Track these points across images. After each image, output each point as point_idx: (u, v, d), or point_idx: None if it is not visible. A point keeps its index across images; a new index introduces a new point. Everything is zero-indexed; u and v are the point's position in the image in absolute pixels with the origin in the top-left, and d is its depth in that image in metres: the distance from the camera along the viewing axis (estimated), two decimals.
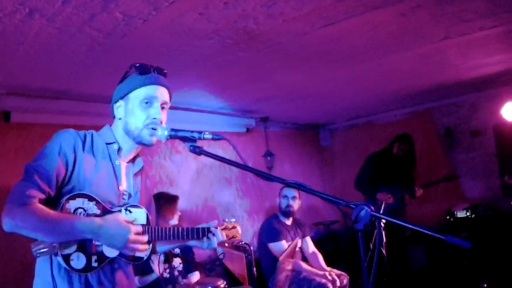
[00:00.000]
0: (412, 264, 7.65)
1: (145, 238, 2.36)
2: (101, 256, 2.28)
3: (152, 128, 2.39)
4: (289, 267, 5.62)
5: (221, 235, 2.74)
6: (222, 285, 4.91)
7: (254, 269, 5.04)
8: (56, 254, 2.18)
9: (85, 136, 2.39)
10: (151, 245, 2.55)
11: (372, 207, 1.96)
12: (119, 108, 2.48)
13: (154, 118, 2.39)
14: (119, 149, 2.50)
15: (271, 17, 3.72)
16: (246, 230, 7.88)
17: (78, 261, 2.21)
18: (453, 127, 8.50)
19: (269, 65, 5.13)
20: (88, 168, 2.32)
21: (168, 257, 4.62)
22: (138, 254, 2.37)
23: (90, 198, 2.28)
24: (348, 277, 5.80)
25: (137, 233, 2.32)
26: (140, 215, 2.50)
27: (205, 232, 2.70)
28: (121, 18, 3.38)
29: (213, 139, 2.29)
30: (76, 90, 5.20)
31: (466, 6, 3.97)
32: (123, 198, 2.50)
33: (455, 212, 7.42)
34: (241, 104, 7.06)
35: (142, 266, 4.67)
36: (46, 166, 2.18)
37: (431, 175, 8.06)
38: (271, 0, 3.39)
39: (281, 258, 5.63)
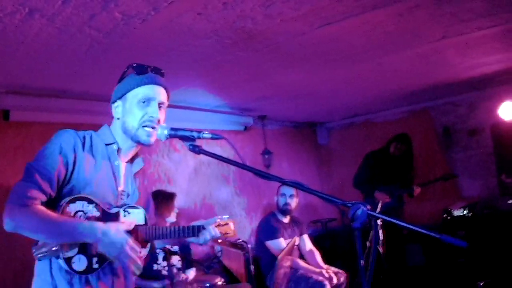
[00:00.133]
0: (410, 262, 7.68)
1: (138, 249, 2.37)
2: (102, 257, 2.29)
3: (151, 127, 2.41)
4: (287, 264, 5.65)
5: (214, 232, 2.80)
6: (220, 283, 4.94)
7: (252, 266, 5.06)
8: (58, 257, 2.19)
9: (84, 136, 2.40)
10: (149, 244, 2.58)
11: (369, 206, 1.98)
12: (117, 108, 2.50)
13: (151, 117, 2.41)
14: (119, 150, 2.51)
15: (269, 17, 3.73)
16: (244, 228, 7.90)
17: (80, 263, 2.22)
18: (451, 126, 8.51)
19: (268, 65, 5.14)
20: (88, 169, 2.33)
21: (167, 255, 4.64)
22: (131, 267, 2.37)
23: (90, 201, 2.29)
24: (345, 275, 5.83)
25: (133, 246, 2.32)
26: (138, 215, 2.54)
27: (199, 229, 2.77)
28: (120, 18, 3.40)
29: (212, 138, 2.32)
30: (75, 89, 5.21)
31: (464, 6, 3.98)
32: (122, 198, 2.53)
33: (452, 210, 7.43)
34: (239, 102, 7.08)
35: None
36: (47, 167, 2.19)
37: (429, 173, 8.09)
38: (269, 0, 3.40)
39: (279, 256, 5.65)
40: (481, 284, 6.14)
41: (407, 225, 2.02)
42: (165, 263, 4.80)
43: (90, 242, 2.23)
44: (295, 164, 9.39)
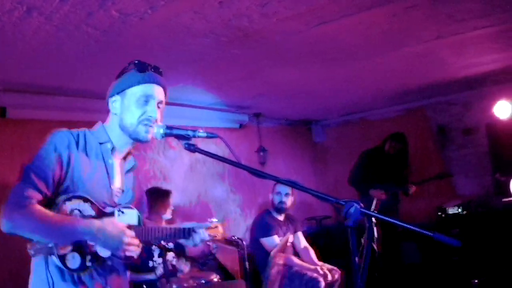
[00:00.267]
0: (405, 260, 7.69)
1: (137, 241, 2.40)
2: (95, 255, 2.31)
3: (149, 126, 2.42)
4: (281, 261, 5.68)
5: (204, 235, 2.85)
6: (215, 279, 4.96)
7: (247, 263, 5.08)
8: (52, 254, 2.20)
9: (78, 135, 2.40)
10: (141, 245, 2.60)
11: (362, 204, 2.00)
12: (115, 103, 2.49)
13: (150, 116, 2.41)
14: (113, 148, 2.52)
15: (265, 16, 3.76)
16: (239, 225, 7.92)
17: (74, 260, 2.22)
18: (446, 125, 8.54)
19: (263, 63, 5.17)
20: (82, 168, 2.34)
21: (163, 252, 4.66)
22: (128, 253, 2.41)
23: (85, 200, 2.30)
24: (339, 272, 5.86)
25: (131, 237, 2.35)
26: (131, 216, 2.55)
27: (190, 232, 2.81)
28: (117, 16, 3.42)
29: (207, 137, 2.34)
30: (73, 87, 5.23)
31: (460, 6, 4.01)
32: (117, 196, 2.54)
33: (447, 208, 7.47)
34: (234, 100, 7.10)
35: (135, 264, 4.71)
36: (43, 167, 2.20)
37: (424, 172, 8.11)
38: None
39: (272, 253, 5.68)
40: (476, 282, 6.18)
41: (400, 223, 2.04)
42: (160, 260, 4.83)
43: (88, 240, 2.25)
44: (290, 162, 9.39)
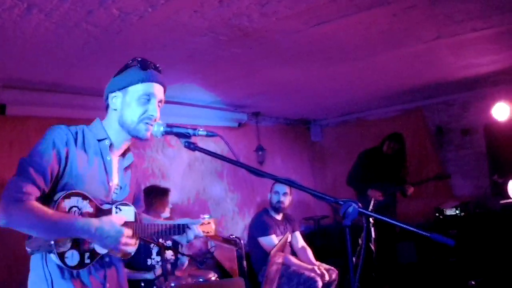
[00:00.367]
0: (402, 260, 7.71)
1: (134, 241, 2.42)
2: (93, 253, 2.32)
3: (149, 124, 2.43)
4: (279, 261, 5.68)
5: (198, 231, 2.87)
6: (213, 278, 4.97)
7: (245, 262, 5.09)
8: (51, 252, 2.21)
9: (76, 132, 2.40)
10: (138, 241, 2.62)
11: (360, 204, 2.01)
12: (115, 99, 2.49)
13: (151, 115, 2.43)
14: (111, 145, 2.52)
15: (265, 15, 3.77)
16: (237, 224, 7.93)
17: (72, 258, 2.24)
18: (444, 126, 8.57)
19: (263, 62, 5.18)
20: (80, 164, 2.35)
21: (161, 250, 4.67)
22: (124, 253, 2.42)
23: (84, 197, 2.31)
24: (336, 272, 5.87)
25: (128, 236, 2.37)
26: (128, 212, 2.57)
27: (184, 228, 2.82)
28: (117, 14, 3.42)
29: (207, 135, 2.36)
30: (72, 84, 5.22)
31: (459, 8, 4.03)
32: (115, 193, 2.55)
33: (444, 210, 7.48)
34: (233, 99, 7.11)
35: (133, 262, 4.72)
36: (41, 162, 2.20)
37: (422, 172, 8.14)
38: None
39: (272, 252, 5.69)
40: (472, 283, 6.19)
41: (397, 223, 2.05)
42: (159, 258, 4.84)
43: (86, 238, 2.26)
44: (288, 161, 9.41)
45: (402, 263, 7.66)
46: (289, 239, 6.17)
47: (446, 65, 6.09)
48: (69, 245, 2.23)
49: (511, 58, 5.95)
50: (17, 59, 4.24)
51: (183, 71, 5.16)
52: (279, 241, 5.84)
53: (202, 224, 2.97)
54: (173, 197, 5.71)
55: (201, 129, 2.36)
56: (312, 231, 8.58)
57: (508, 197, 7.09)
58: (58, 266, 2.24)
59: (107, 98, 2.54)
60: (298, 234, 6.45)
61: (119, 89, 2.48)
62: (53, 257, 2.21)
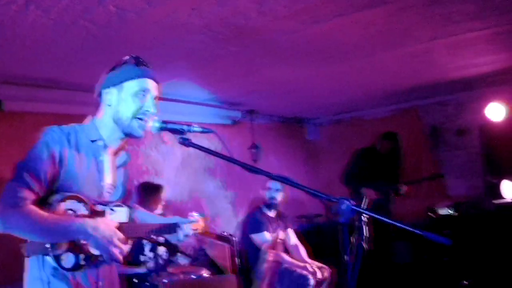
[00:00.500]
0: (396, 259, 7.71)
1: (127, 247, 2.42)
2: (88, 254, 2.33)
3: (142, 119, 2.43)
4: (272, 258, 5.71)
5: (188, 230, 2.92)
6: (205, 274, 4.99)
7: (237, 259, 5.10)
8: (46, 255, 2.22)
9: (69, 132, 2.39)
10: (131, 241, 2.63)
11: (353, 202, 2.03)
12: (110, 95, 2.48)
13: (147, 111, 2.44)
14: (104, 146, 2.51)
15: (262, 15, 3.79)
16: (230, 221, 7.93)
17: (68, 260, 2.24)
18: (439, 126, 8.57)
19: (259, 61, 5.19)
20: (74, 165, 2.34)
21: (154, 246, 4.69)
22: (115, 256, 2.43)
23: (79, 200, 2.31)
24: (329, 270, 5.89)
25: (121, 239, 2.36)
26: (122, 213, 2.58)
27: (175, 227, 2.87)
28: (115, 11, 3.44)
29: (202, 132, 2.37)
30: (69, 80, 5.23)
31: (455, 8, 4.04)
32: (108, 192, 2.54)
33: (438, 209, 7.50)
34: (228, 96, 7.11)
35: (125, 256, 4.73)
36: (36, 166, 2.20)
37: (416, 172, 8.15)
38: None
39: (263, 249, 5.71)
40: (465, 283, 6.22)
41: (391, 222, 2.07)
42: (151, 254, 4.85)
43: (82, 239, 2.26)
44: (282, 159, 9.38)
45: (397, 263, 7.66)
46: (282, 237, 6.19)
47: (442, 65, 6.10)
48: (64, 247, 2.23)
49: (508, 59, 5.98)
50: (15, 55, 4.25)
51: (180, 68, 5.17)
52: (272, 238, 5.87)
53: (191, 222, 3.00)
54: (166, 194, 5.72)
55: (196, 126, 2.36)
56: (305, 229, 8.57)
57: (502, 197, 7.12)
58: (54, 268, 2.25)
59: (99, 94, 2.53)
60: (290, 231, 6.47)
61: (114, 85, 2.48)
62: (49, 259, 2.22)
